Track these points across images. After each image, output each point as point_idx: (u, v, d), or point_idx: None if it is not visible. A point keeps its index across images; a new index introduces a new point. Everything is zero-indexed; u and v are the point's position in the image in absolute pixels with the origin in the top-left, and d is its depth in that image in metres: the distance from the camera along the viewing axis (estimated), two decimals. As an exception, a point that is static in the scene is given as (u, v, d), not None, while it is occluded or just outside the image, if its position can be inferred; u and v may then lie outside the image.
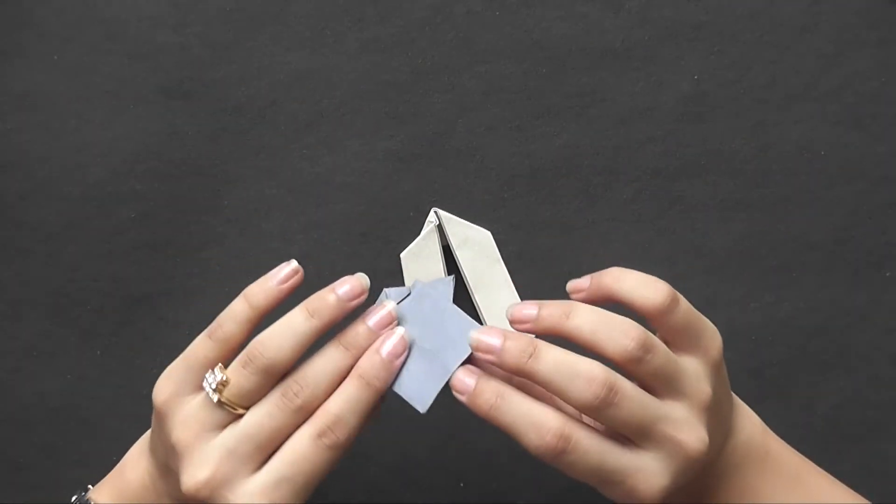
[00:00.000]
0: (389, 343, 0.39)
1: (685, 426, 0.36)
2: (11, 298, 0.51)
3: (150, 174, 0.51)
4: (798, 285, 0.50)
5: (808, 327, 0.49)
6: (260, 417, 0.38)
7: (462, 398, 0.38)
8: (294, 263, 0.40)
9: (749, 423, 0.42)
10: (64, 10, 0.52)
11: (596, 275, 0.40)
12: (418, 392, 0.39)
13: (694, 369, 0.38)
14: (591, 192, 0.50)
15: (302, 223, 0.51)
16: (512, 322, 0.38)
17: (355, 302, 0.39)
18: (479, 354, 0.37)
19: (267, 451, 0.38)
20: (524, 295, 0.49)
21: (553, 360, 0.36)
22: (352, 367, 0.39)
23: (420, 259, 0.49)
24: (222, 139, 0.51)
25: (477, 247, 0.49)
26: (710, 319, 0.49)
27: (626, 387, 0.36)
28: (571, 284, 0.40)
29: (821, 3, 0.51)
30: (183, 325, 0.50)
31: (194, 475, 0.37)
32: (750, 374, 0.49)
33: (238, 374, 0.38)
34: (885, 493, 0.47)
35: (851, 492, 0.42)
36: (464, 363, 0.38)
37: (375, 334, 0.39)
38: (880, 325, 0.49)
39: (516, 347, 0.36)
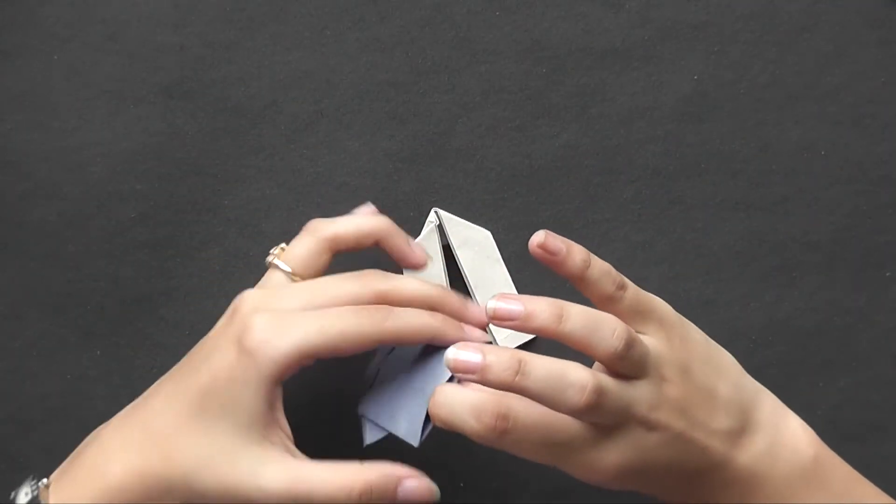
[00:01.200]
0: (472, 332, 0.41)
1: (654, 404, 0.37)
2: (11, 298, 0.51)
3: (150, 174, 0.51)
4: (798, 285, 0.50)
5: (808, 327, 0.49)
6: (327, 282, 0.40)
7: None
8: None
9: (792, 427, 0.42)
10: (64, 10, 0.52)
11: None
12: (409, 428, 0.40)
13: (653, 346, 0.39)
14: (591, 192, 0.50)
15: (302, 223, 0.51)
16: (496, 318, 0.37)
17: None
18: (461, 375, 0.36)
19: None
20: (525, 294, 0.49)
21: (543, 374, 0.36)
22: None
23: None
24: (222, 139, 0.51)
25: (477, 247, 0.49)
26: (710, 319, 0.49)
27: (610, 385, 0.36)
28: (542, 241, 0.39)
29: (821, 3, 0.51)
30: (183, 325, 0.50)
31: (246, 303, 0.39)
32: (750, 374, 0.49)
33: (296, 240, 0.42)
34: (885, 492, 0.47)
35: None
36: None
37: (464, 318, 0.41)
38: (880, 325, 0.49)
39: (500, 364, 0.36)
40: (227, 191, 0.51)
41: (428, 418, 0.39)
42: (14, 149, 0.51)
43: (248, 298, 0.40)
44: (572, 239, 0.46)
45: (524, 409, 0.36)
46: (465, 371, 0.36)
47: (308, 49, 0.51)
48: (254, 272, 0.48)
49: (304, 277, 0.41)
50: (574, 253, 0.39)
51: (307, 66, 0.51)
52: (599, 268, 0.39)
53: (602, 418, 0.37)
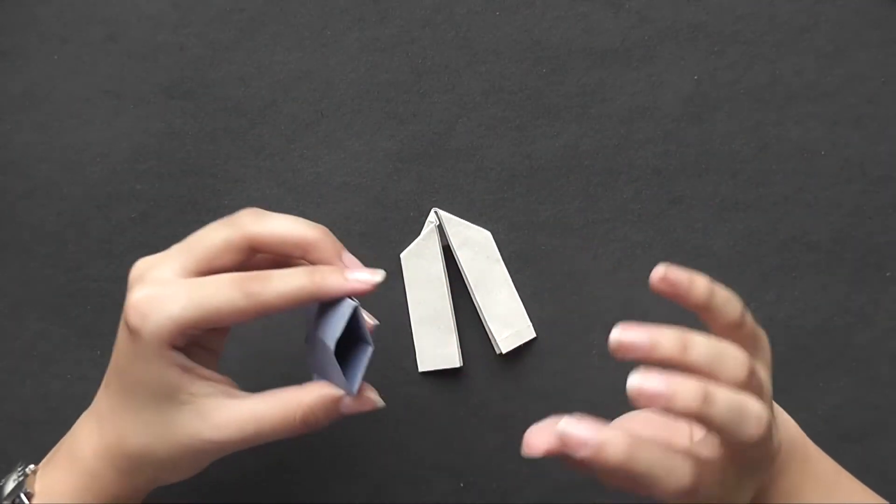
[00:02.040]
0: (360, 270, 0.39)
1: (776, 427, 0.37)
2: (11, 298, 0.51)
3: (150, 174, 0.51)
4: (798, 285, 0.50)
5: (808, 327, 0.49)
6: (202, 232, 0.40)
7: (586, 452, 0.33)
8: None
9: (789, 425, 0.42)
10: (64, 10, 0.52)
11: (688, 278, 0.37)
12: (341, 384, 0.39)
13: (764, 374, 0.38)
14: (591, 192, 0.50)
15: (302, 223, 0.51)
16: (619, 349, 0.34)
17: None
18: (643, 402, 0.34)
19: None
20: (524, 295, 0.49)
21: (726, 405, 0.34)
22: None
23: (420, 259, 0.49)
24: (222, 139, 0.51)
25: (477, 247, 0.49)
26: (711, 319, 0.49)
27: (770, 417, 0.35)
28: (663, 275, 0.37)
29: (821, 3, 0.51)
30: (183, 325, 0.50)
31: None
32: (750, 374, 0.49)
33: (215, 224, 0.40)
34: (885, 493, 0.47)
35: (883, 501, 0.42)
36: None
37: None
38: (880, 325, 0.49)
39: (688, 393, 0.34)
40: (227, 191, 0.51)
41: (353, 367, 0.39)
42: (14, 149, 0.51)
43: (133, 269, 0.40)
44: (572, 239, 0.46)
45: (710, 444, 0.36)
46: (650, 399, 0.33)
47: (308, 49, 0.51)
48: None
49: (210, 270, 0.39)
50: (697, 283, 0.37)
51: (307, 66, 0.51)
52: (722, 295, 0.37)
53: (763, 451, 0.36)
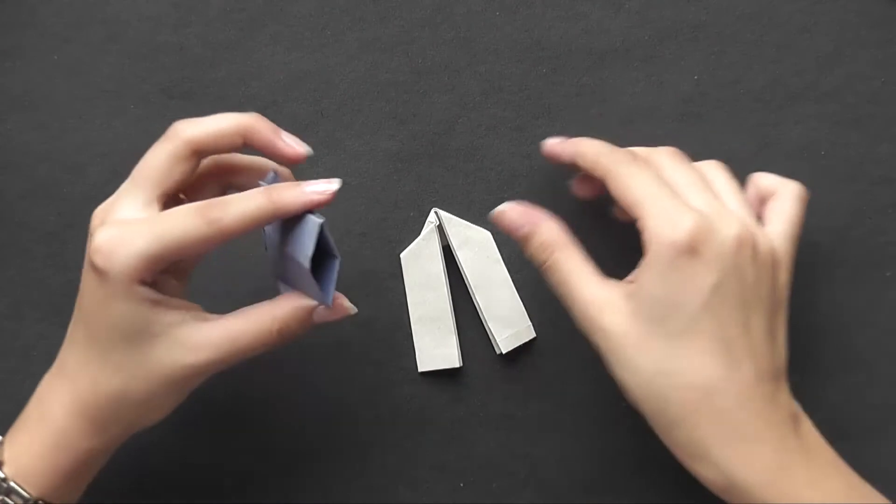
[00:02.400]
0: (314, 182, 0.40)
1: None
2: (11, 298, 0.51)
3: (150, 174, 0.51)
4: (798, 285, 0.50)
5: (808, 327, 0.49)
6: (146, 157, 0.41)
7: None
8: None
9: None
10: (64, 10, 0.52)
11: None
12: (315, 295, 0.40)
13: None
14: (591, 192, 0.50)
15: (302, 223, 0.51)
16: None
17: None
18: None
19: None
20: (524, 295, 0.49)
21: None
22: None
23: (420, 259, 0.49)
24: (222, 139, 0.51)
25: (477, 247, 0.49)
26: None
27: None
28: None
29: (821, 3, 0.51)
30: (183, 325, 0.50)
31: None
32: (750, 374, 0.49)
33: (153, 148, 0.41)
34: (884, 492, 0.47)
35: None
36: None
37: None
38: (880, 325, 0.49)
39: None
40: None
41: (325, 280, 0.40)
42: (14, 149, 0.51)
43: (93, 218, 0.40)
44: (574, 241, 0.46)
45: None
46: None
47: (308, 49, 0.51)
48: (254, 272, 0.48)
49: (165, 192, 0.40)
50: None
51: (307, 66, 0.51)
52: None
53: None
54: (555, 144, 0.46)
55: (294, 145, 0.41)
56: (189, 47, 0.52)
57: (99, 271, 0.38)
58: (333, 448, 0.49)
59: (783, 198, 0.43)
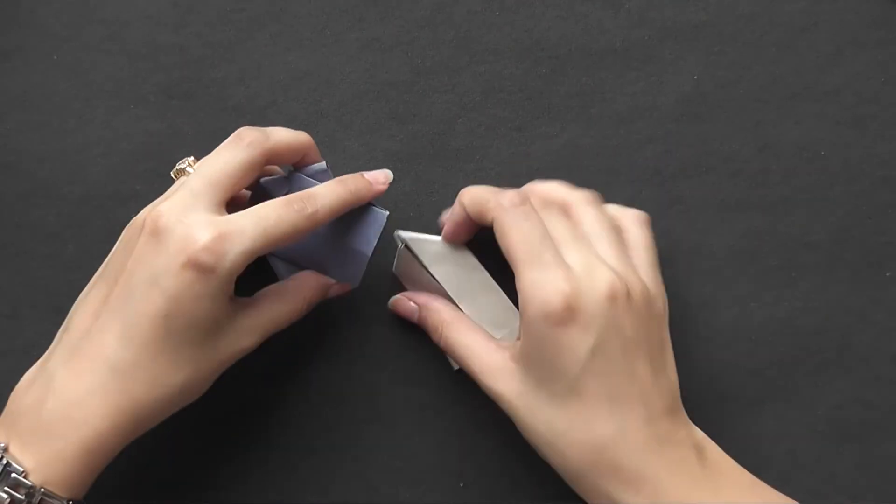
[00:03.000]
0: (372, 172, 0.45)
1: None
2: (11, 298, 0.51)
3: (150, 174, 0.51)
4: (798, 285, 0.50)
5: (808, 327, 0.49)
6: (217, 163, 0.42)
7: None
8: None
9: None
10: (64, 10, 0.52)
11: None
12: (346, 274, 0.46)
13: None
14: (591, 192, 0.50)
15: (302, 223, 0.51)
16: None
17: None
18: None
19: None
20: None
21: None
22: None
23: (408, 276, 0.48)
24: (222, 139, 0.51)
25: (451, 258, 0.47)
26: (710, 320, 0.49)
27: None
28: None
29: (821, 3, 0.51)
30: (183, 325, 0.50)
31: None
32: (750, 374, 0.49)
33: (224, 149, 0.43)
34: (885, 492, 0.47)
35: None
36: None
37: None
38: (880, 325, 0.49)
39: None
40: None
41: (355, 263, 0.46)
42: (14, 149, 0.51)
43: (161, 213, 0.40)
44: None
45: None
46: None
47: (308, 49, 0.51)
48: (254, 272, 0.48)
49: (232, 196, 0.42)
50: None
51: (307, 66, 0.51)
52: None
53: None
54: (447, 225, 0.46)
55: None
56: (189, 47, 0.52)
57: (205, 269, 0.38)
58: (333, 448, 0.49)
59: (632, 227, 0.44)
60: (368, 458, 0.49)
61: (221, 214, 0.40)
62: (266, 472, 0.49)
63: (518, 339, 0.42)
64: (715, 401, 0.48)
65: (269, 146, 0.42)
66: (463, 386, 0.50)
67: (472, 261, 0.46)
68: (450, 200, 0.51)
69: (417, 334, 0.50)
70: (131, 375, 0.39)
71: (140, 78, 0.51)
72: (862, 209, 0.50)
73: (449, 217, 0.45)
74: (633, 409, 0.39)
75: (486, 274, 0.46)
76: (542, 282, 0.39)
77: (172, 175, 0.44)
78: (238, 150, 0.42)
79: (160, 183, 0.51)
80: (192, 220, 0.39)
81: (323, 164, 0.46)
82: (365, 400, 0.50)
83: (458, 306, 0.47)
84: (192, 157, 0.44)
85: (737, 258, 0.50)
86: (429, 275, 0.47)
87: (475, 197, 0.43)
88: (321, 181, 0.45)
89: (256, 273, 0.44)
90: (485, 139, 0.51)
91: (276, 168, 0.47)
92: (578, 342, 0.39)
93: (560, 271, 0.39)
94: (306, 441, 0.49)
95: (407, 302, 0.47)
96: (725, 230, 0.50)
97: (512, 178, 0.51)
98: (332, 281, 0.46)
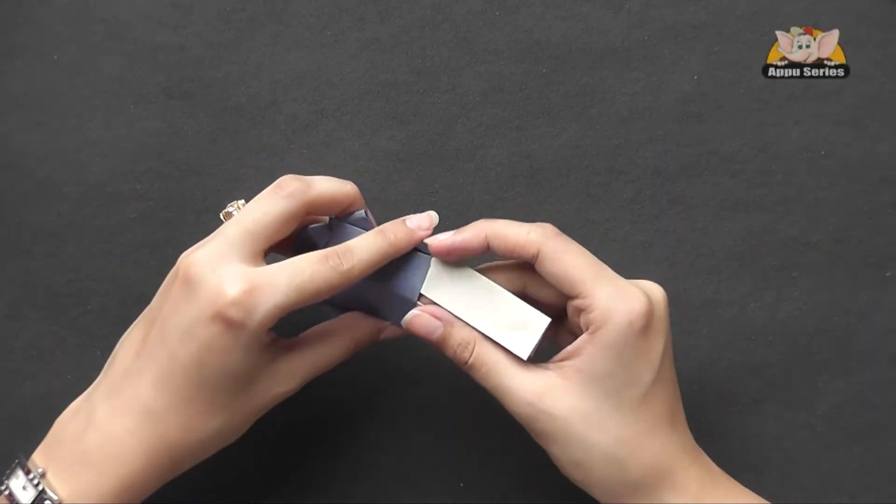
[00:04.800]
0: (416, 216, 0.42)
1: None
2: (11, 298, 0.51)
3: (150, 174, 0.51)
4: (798, 285, 0.50)
5: (808, 327, 0.49)
6: (256, 213, 0.41)
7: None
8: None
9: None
10: (64, 10, 0.52)
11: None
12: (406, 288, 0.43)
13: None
14: (591, 192, 0.50)
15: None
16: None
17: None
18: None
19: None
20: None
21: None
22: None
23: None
24: (222, 139, 0.51)
25: (445, 274, 0.43)
26: (710, 319, 0.49)
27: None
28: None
29: (821, 3, 0.51)
30: (183, 325, 0.50)
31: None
32: (750, 374, 0.49)
33: (265, 198, 0.41)
34: (885, 492, 0.47)
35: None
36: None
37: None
38: (880, 325, 0.49)
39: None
40: (227, 191, 0.51)
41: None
42: (14, 149, 0.51)
43: (197, 260, 0.39)
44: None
45: None
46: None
47: (308, 49, 0.51)
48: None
49: (271, 245, 0.41)
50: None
51: (307, 66, 0.51)
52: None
53: None
54: (451, 240, 0.42)
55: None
56: (189, 47, 0.52)
57: (234, 324, 0.38)
58: (334, 448, 0.49)
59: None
60: (368, 458, 0.49)
61: (257, 264, 0.40)
62: (266, 473, 0.49)
63: (564, 359, 0.41)
64: (715, 401, 0.48)
65: (309, 198, 0.41)
66: (463, 386, 0.50)
67: (466, 271, 0.43)
68: (450, 200, 0.51)
69: (417, 334, 0.50)
70: (165, 419, 0.39)
71: (140, 78, 0.51)
72: (862, 209, 0.50)
73: (458, 243, 0.41)
74: (681, 415, 0.41)
75: (484, 277, 0.43)
76: (621, 293, 0.40)
77: (221, 217, 0.44)
78: (277, 199, 0.41)
79: (160, 183, 0.51)
80: (223, 272, 0.38)
81: (362, 213, 0.44)
82: (365, 400, 0.50)
83: (467, 323, 0.43)
84: (242, 201, 0.43)
85: (737, 258, 0.50)
86: (428, 300, 0.43)
87: (502, 234, 0.41)
88: (364, 229, 0.43)
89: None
90: (485, 139, 0.51)
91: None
92: (654, 347, 0.40)
93: (628, 282, 0.40)
94: (306, 441, 0.49)
95: (430, 319, 0.42)
96: (725, 230, 0.50)
97: (512, 178, 0.51)
98: (386, 323, 0.44)
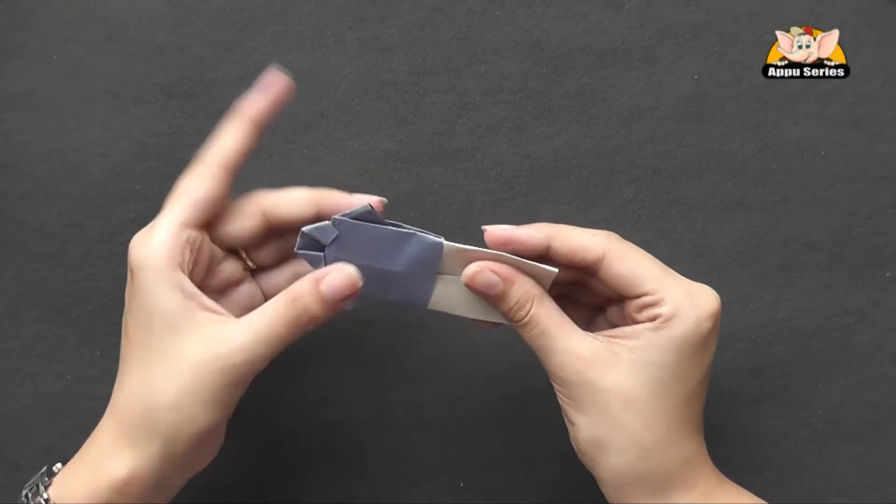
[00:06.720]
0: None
1: None
2: (11, 298, 0.51)
3: (150, 174, 0.51)
4: (798, 285, 0.50)
5: (808, 327, 0.49)
6: None
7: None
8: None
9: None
10: (64, 10, 0.52)
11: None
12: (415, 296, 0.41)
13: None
14: (591, 192, 0.50)
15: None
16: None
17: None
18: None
19: None
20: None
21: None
22: None
23: None
24: (222, 139, 0.51)
25: (449, 282, 0.42)
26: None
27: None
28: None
29: (821, 3, 0.51)
30: (183, 325, 0.50)
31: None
32: (750, 374, 0.49)
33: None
34: (885, 493, 0.47)
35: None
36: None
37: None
38: (880, 325, 0.49)
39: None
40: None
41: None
42: (14, 149, 0.51)
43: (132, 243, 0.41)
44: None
45: None
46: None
47: (308, 49, 0.51)
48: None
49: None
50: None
51: (307, 66, 0.51)
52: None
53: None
54: (511, 231, 0.41)
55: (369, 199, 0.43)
56: (189, 47, 0.52)
57: (136, 266, 0.40)
58: (333, 448, 0.49)
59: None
60: (368, 459, 0.49)
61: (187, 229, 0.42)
62: (266, 473, 0.49)
63: (617, 336, 0.41)
64: (715, 401, 0.48)
65: (262, 207, 0.45)
66: (463, 386, 0.50)
67: (450, 277, 0.42)
68: (450, 200, 0.51)
69: (418, 334, 0.50)
70: (115, 390, 0.41)
71: (140, 78, 0.51)
72: (862, 209, 0.50)
73: (518, 236, 0.41)
74: (702, 421, 0.41)
75: (451, 279, 0.42)
76: (694, 292, 0.40)
77: None
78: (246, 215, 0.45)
79: (160, 183, 0.51)
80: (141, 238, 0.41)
81: (368, 206, 0.41)
82: (365, 400, 0.50)
83: (473, 322, 0.43)
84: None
85: (737, 258, 0.50)
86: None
87: (566, 235, 0.41)
88: (372, 223, 0.41)
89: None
90: (485, 139, 0.51)
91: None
92: (709, 350, 0.40)
93: (699, 284, 0.41)
94: (306, 441, 0.49)
95: (491, 275, 0.41)
96: (725, 230, 0.50)
97: (512, 178, 0.51)
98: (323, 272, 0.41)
